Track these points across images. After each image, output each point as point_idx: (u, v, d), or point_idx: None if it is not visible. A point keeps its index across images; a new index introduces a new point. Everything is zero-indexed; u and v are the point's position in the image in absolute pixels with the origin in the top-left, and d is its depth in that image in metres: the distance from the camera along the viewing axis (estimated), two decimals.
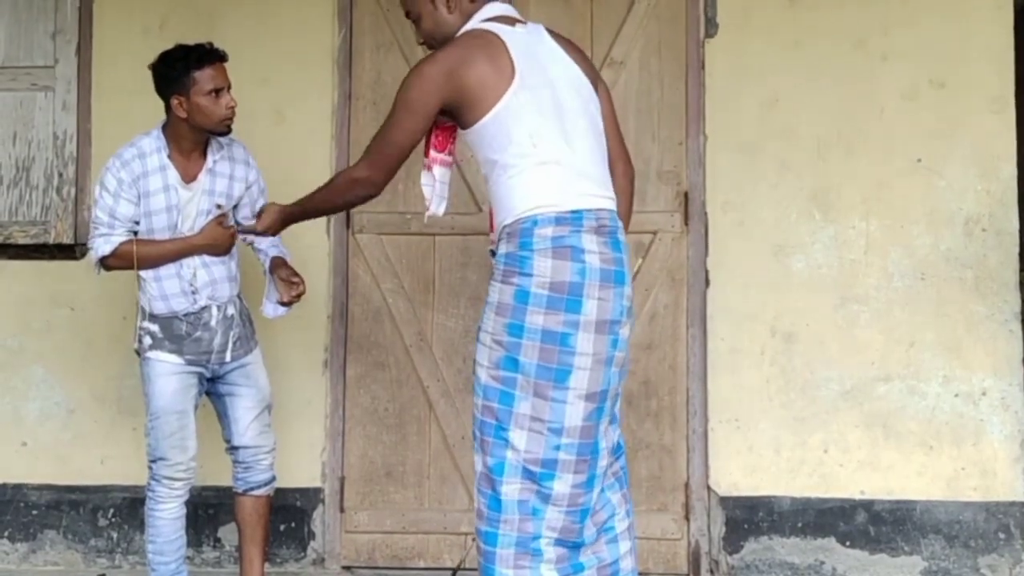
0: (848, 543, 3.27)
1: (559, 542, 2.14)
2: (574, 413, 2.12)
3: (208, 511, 3.40)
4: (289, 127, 3.45)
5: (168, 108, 2.70)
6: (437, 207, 2.33)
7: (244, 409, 2.80)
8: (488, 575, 2.14)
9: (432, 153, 2.31)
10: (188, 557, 3.38)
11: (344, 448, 3.44)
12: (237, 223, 2.83)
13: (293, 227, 3.40)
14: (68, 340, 3.49)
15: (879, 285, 3.30)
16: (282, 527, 3.42)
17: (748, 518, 3.30)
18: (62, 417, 3.49)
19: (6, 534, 3.48)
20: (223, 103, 2.66)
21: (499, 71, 2.16)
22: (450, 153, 2.32)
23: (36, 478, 3.47)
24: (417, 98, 2.18)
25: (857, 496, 3.27)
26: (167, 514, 2.73)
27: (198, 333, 2.74)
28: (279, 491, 3.38)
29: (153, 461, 2.74)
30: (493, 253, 2.26)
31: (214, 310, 2.76)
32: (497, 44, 2.19)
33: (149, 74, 3.44)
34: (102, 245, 2.69)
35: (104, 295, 3.45)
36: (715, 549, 3.32)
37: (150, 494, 2.74)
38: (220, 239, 2.75)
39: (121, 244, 2.68)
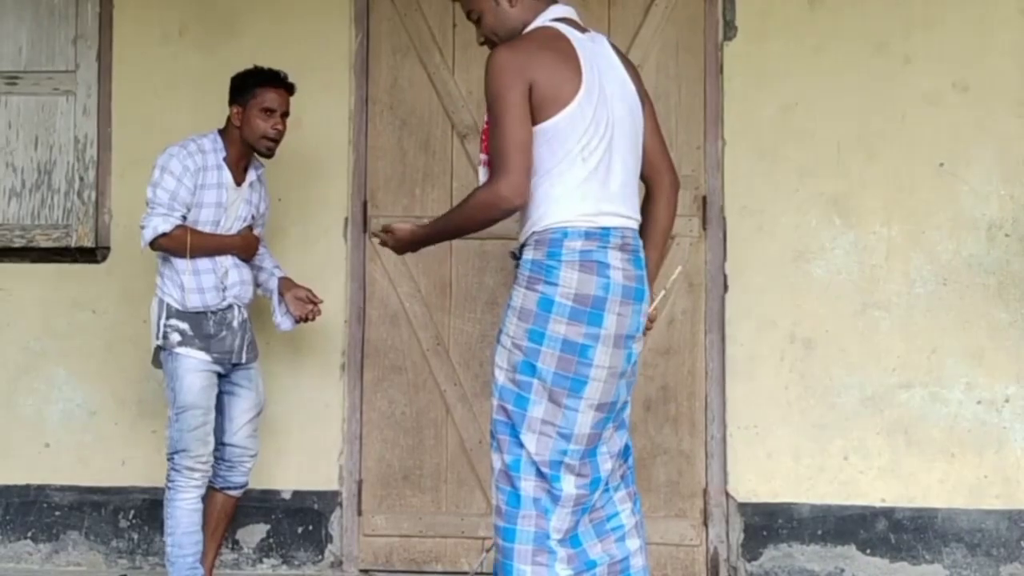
0: (869, 551, 3.24)
1: (562, 542, 2.18)
2: (584, 422, 2.16)
3: None
4: (306, 132, 3.45)
5: (230, 111, 2.93)
6: None
7: (241, 410, 2.94)
8: (506, 571, 2.15)
9: (482, 156, 2.28)
10: None
11: (362, 451, 3.45)
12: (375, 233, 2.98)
13: (309, 232, 3.46)
14: (90, 343, 3.53)
15: (900, 291, 3.27)
16: (299, 530, 3.44)
17: (767, 525, 3.27)
18: (84, 419, 3.52)
19: (29, 534, 3.52)
20: (270, 123, 2.88)
21: (568, 77, 2.14)
22: (488, 151, 2.24)
23: (58, 479, 3.51)
24: (508, 84, 2.11)
25: (878, 503, 3.24)
26: (186, 504, 2.83)
27: (223, 333, 2.88)
28: (297, 494, 3.44)
29: (175, 453, 2.84)
30: (514, 255, 2.26)
31: (236, 311, 2.91)
32: (568, 48, 2.18)
33: (168, 79, 3.52)
34: (161, 223, 2.81)
35: (125, 298, 3.48)
36: (734, 556, 3.30)
37: (170, 484, 2.84)
38: (252, 245, 2.98)
39: (177, 227, 2.82)
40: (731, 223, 3.33)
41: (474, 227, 2.22)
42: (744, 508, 3.28)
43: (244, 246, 2.94)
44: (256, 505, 3.39)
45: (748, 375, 3.30)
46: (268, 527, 3.44)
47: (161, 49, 3.54)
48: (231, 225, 2.91)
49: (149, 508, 3.43)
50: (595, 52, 2.22)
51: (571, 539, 2.19)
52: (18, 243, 3.59)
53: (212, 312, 2.86)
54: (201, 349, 2.84)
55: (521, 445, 2.16)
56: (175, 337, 2.83)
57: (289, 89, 2.94)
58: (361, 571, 3.43)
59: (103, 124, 3.57)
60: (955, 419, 3.24)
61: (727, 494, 3.30)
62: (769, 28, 3.32)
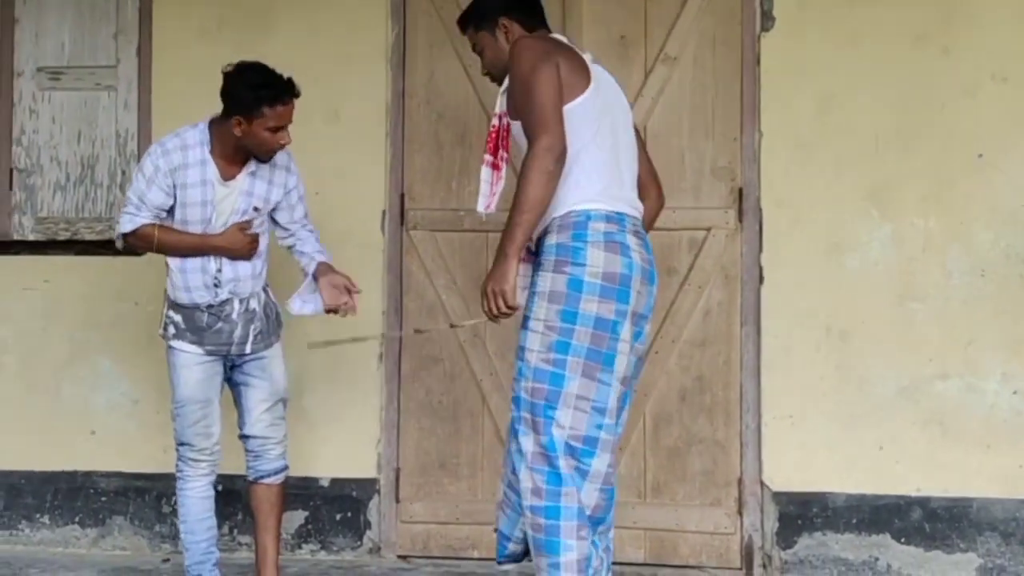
0: (903, 539, 3.26)
1: (587, 517, 2.30)
2: (613, 395, 2.30)
3: None
4: (343, 125, 3.49)
5: (226, 114, 2.73)
6: (480, 205, 2.45)
7: (256, 401, 2.87)
8: (552, 548, 2.25)
9: (486, 156, 2.44)
10: (241, 544, 3.50)
11: (399, 440, 3.51)
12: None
13: (347, 225, 3.49)
14: (133, 333, 3.59)
15: (937, 282, 3.26)
16: (338, 516, 3.51)
17: (802, 514, 3.30)
18: (127, 407, 3.60)
19: (77, 519, 3.61)
20: (278, 138, 2.71)
21: (580, 71, 2.33)
22: (492, 153, 2.43)
23: (104, 466, 3.59)
24: (541, 60, 2.27)
25: (913, 493, 3.25)
26: (195, 492, 2.86)
27: (219, 325, 2.80)
28: (335, 481, 3.50)
29: (180, 445, 2.86)
30: (530, 251, 2.35)
31: (236, 303, 2.82)
32: (575, 53, 2.38)
33: (206, 74, 3.48)
34: (126, 223, 2.78)
35: None
36: (768, 544, 3.33)
37: (178, 475, 2.88)
38: (238, 244, 2.78)
39: (143, 226, 2.75)
40: (767, 215, 3.34)
41: (538, 193, 2.20)
42: (779, 497, 3.31)
43: (227, 247, 2.76)
44: (295, 492, 3.43)
45: (783, 366, 3.31)
46: (307, 514, 3.51)
47: (199, 44, 3.57)
48: (226, 220, 2.76)
49: None
50: (595, 65, 2.42)
51: (597, 518, 2.32)
52: (63, 236, 3.66)
53: (206, 306, 2.79)
54: (193, 343, 2.79)
55: (554, 423, 2.25)
56: (171, 329, 2.81)
57: (297, 95, 2.71)
58: (399, 557, 3.49)
59: (143, 118, 3.63)
60: (991, 410, 3.24)
61: (762, 483, 3.33)
62: (807, 19, 3.31)
